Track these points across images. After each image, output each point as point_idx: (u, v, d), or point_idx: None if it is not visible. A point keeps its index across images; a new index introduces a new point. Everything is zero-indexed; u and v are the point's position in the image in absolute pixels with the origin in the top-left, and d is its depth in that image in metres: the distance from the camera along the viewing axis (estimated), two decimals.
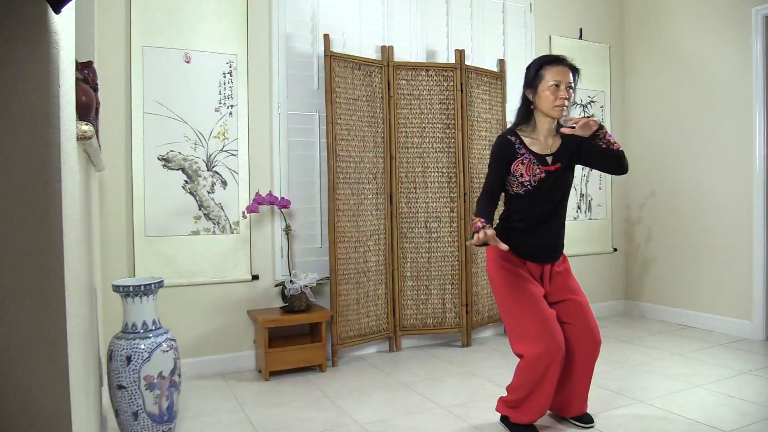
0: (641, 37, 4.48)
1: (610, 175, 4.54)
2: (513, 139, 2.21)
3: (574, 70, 2.18)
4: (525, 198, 2.20)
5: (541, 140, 2.23)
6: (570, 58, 2.20)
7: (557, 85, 2.12)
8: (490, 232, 1.98)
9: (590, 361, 2.28)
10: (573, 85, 2.16)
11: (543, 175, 2.17)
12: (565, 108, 2.14)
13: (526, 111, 2.24)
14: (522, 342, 2.18)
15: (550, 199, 2.21)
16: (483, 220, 2.06)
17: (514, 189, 2.21)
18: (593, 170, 4.45)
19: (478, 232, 1.99)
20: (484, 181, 2.27)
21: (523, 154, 2.18)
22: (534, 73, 2.18)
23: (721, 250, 3.90)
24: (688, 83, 4.10)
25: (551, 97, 2.13)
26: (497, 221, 2.37)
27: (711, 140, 3.95)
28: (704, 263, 4.01)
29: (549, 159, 2.21)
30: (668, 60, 4.24)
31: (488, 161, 2.30)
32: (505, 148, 2.20)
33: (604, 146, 2.13)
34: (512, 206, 2.26)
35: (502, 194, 2.30)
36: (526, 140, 2.22)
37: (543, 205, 2.21)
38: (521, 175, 2.18)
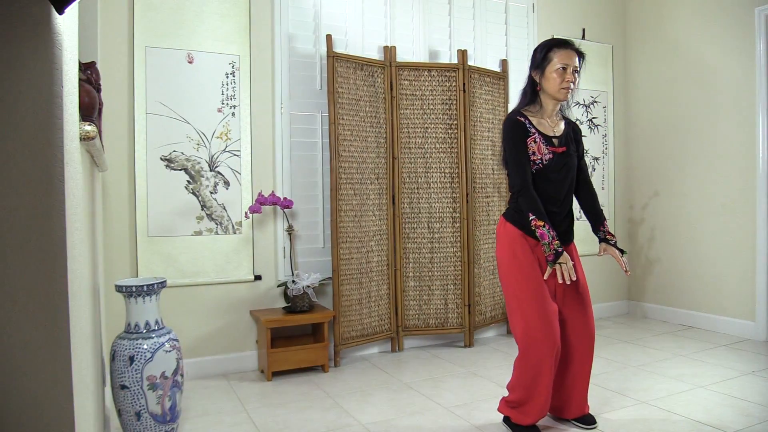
0: (644, 37, 4.47)
1: (612, 176, 4.55)
2: (522, 119, 2.23)
3: (580, 55, 2.23)
4: (536, 177, 2.21)
5: (547, 121, 2.27)
6: (577, 43, 2.26)
7: (564, 68, 2.17)
8: (566, 256, 2.11)
9: (587, 355, 2.31)
10: (579, 69, 2.22)
11: (551, 155, 2.20)
12: (570, 91, 2.20)
13: (532, 92, 2.28)
14: (519, 326, 2.22)
15: (559, 179, 2.23)
16: (548, 225, 2.12)
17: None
18: (596, 171, 4.48)
19: (547, 243, 2.10)
20: (510, 174, 2.24)
21: (533, 133, 2.21)
22: (542, 55, 2.23)
23: (724, 251, 3.89)
24: (691, 83, 4.09)
25: (558, 79, 2.18)
26: (507, 207, 2.38)
27: (714, 140, 3.94)
28: (707, 264, 4.00)
29: (555, 141, 2.25)
30: (671, 60, 4.24)
31: (502, 147, 2.34)
32: (518, 127, 2.21)
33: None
34: None
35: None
36: (533, 120, 2.25)
37: (553, 186, 2.22)
38: (533, 153, 2.20)
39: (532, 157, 2.20)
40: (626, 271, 2.25)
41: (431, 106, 3.58)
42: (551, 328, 2.15)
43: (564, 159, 2.23)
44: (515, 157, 2.20)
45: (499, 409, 2.35)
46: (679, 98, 4.19)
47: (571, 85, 2.19)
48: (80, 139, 1.26)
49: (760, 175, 3.65)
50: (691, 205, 4.11)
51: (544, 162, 2.19)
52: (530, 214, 2.14)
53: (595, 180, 4.46)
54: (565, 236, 2.30)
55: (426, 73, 3.57)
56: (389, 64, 3.49)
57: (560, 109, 2.33)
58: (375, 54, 3.59)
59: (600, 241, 2.35)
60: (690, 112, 4.10)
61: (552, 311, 2.18)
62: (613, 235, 2.34)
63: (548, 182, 2.21)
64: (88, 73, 1.63)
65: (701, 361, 3.22)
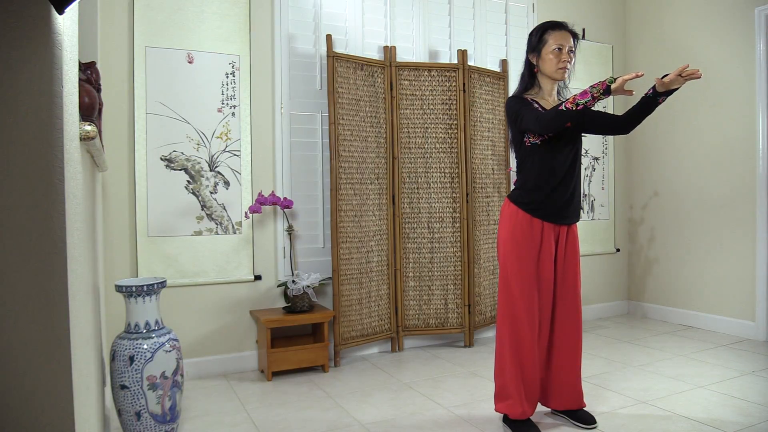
0: (644, 37, 4.48)
1: (612, 176, 4.55)
2: (525, 97, 2.28)
3: (575, 36, 2.27)
4: (541, 149, 2.22)
5: (548, 100, 2.31)
6: (571, 24, 2.30)
7: (560, 49, 2.22)
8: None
9: (576, 340, 2.35)
10: (574, 49, 2.25)
11: None
12: (567, 70, 2.24)
13: (530, 75, 2.32)
14: (504, 303, 2.28)
15: (563, 153, 2.23)
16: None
17: (531, 139, 2.23)
18: (595, 171, 4.48)
19: (591, 86, 1.99)
20: (529, 123, 2.15)
21: (537, 108, 2.24)
22: (537, 37, 2.27)
23: (724, 251, 3.89)
24: (691, 83, 4.08)
25: (554, 60, 2.22)
26: (513, 188, 2.38)
27: (714, 140, 3.94)
28: (707, 264, 4.00)
29: None
30: (671, 60, 4.23)
31: (509, 126, 2.36)
32: (523, 99, 2.26)
33: (661, 101, 2.16)
34: (529, 163, 2.26)
35: (514, 160, 2.38)
36: (535, 99, 2.30)
37: (558, 158, 2.22)
38: None
39: None
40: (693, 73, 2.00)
41: (431, 106, 3.58)
42: (532, 311, 2.23)
43: (566, 135, 2.23)
44: (526, 112, 2.16)
45: (495, 409, 2.35)
46: (679, 98, 4.18)
47: (568, 65, 2.23)
48: (80, 139, 1.26)
49: (760, 175, 3.65)
50: (691, 205, 4.11)
51: (549, 134, 2.21)
52: (566, 103, 2.01)
53: (595, 180, 4.46)
54: (569, 214, 2.28)
55: (426, 73, 3.58)
56: (389, 64, 3.49)
57: (558, 92, 2.36)
58: (375, 54, 3.59)
59: (654, 91, 2.17)
60: (690, 112, 4.10)
61: (535, 298, 2.24)
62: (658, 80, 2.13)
63: (552, 153, 2.21)
64: (88, 73, 1.63)
65: (701, 361, 3.22)
